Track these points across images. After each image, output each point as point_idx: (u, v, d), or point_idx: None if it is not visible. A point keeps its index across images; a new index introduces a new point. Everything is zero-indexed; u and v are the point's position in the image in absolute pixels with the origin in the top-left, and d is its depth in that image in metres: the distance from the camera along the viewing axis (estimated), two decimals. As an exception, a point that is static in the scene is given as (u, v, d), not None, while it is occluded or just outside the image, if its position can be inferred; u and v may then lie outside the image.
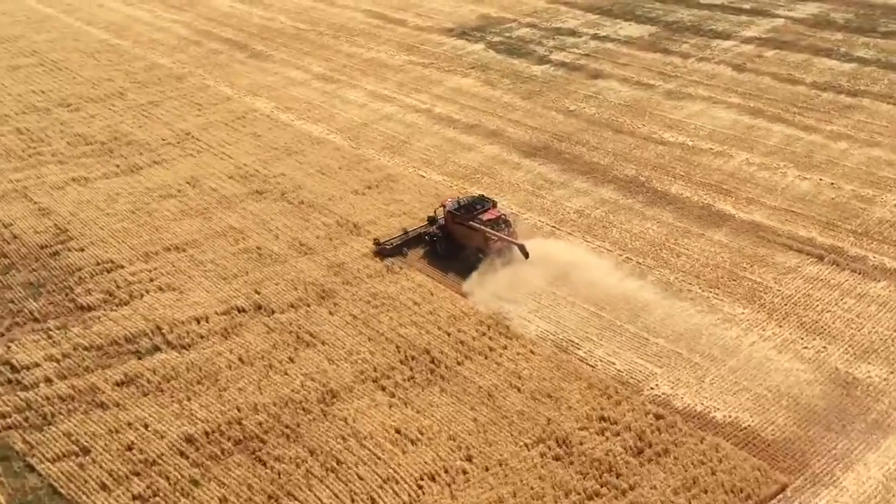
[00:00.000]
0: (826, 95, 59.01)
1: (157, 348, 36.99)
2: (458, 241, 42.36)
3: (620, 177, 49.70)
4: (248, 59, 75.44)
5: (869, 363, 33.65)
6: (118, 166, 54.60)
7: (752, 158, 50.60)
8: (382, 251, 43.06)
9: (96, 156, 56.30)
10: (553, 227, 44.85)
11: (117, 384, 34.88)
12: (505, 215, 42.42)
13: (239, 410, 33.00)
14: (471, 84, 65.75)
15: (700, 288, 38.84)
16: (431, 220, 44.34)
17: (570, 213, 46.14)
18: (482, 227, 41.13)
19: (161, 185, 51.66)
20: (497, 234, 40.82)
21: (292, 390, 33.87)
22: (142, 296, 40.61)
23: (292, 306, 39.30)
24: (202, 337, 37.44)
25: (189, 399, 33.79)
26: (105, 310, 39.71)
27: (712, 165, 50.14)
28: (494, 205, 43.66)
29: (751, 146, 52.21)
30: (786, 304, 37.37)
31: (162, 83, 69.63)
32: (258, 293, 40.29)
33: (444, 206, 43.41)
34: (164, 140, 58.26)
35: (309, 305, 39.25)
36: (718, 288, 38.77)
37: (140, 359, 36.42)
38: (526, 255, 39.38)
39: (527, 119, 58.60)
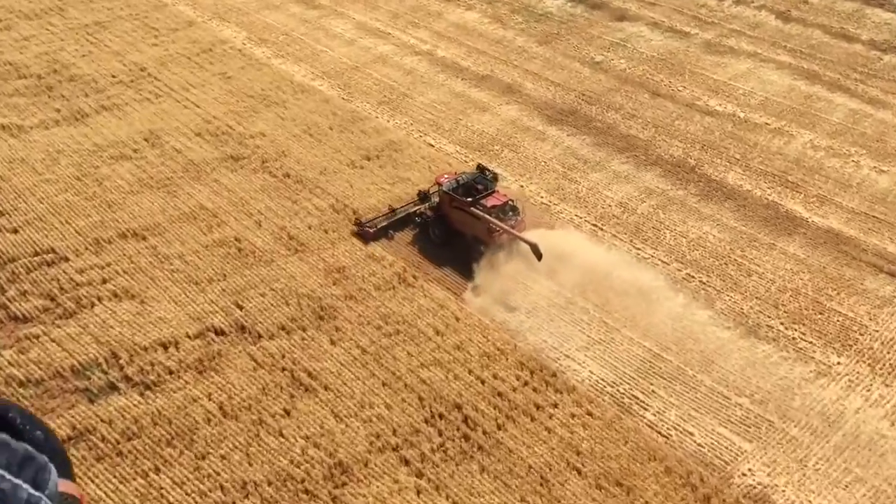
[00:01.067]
0: (888, 59, 51.47)
1: (113, 386, 29.15)
2: (454, 226, 35.43)
3: (665, 157, 42.10)
4: (212, -31, 64.47)
5: None
6: (59, 111, 45.02)
7: (816, 140, 43.29)
8: (365, 234, 35.98)
9: (32, 95, 46.48)
10: (594, 224, 37.39)
11: (63, 441, 27.09)
12: (512, 200, 35.33)
13: (223, 491, 25.70)
14: (476, 20, 56.56)
15: (782, 323, 32.11)
16: (423, 197, 37.30)
17: (611, 206, 38.61)
18: (486, 215, 34.10)
19: (112, 140, 42.48)
20: (504, 226, 33.84)
21: (291, 461, 26.60)
22: (92, 305, 32.39)
23: (283, 329, 31.58)
24: (171, 372, 29.65)
25: (157, 470, 26.32)
26: (46, 324, 31.52)
27: (771, 147, 42.77)
28: (495, 178, 36.89)
29: (812, 122, 44.82)
30: (889, 353, 30.92)
31: (109, -4, 58.82)
32: (240, 307, 32.42)
33: (439, 184, 36.14)
34: (113, 77, 48.49)
35: (304, 329, 31.56)
36: (804, 324, 32.09)
37: (92, 402, 28.61)
38: (539, 256, 32.45)
39: (547, 71, 50.12)
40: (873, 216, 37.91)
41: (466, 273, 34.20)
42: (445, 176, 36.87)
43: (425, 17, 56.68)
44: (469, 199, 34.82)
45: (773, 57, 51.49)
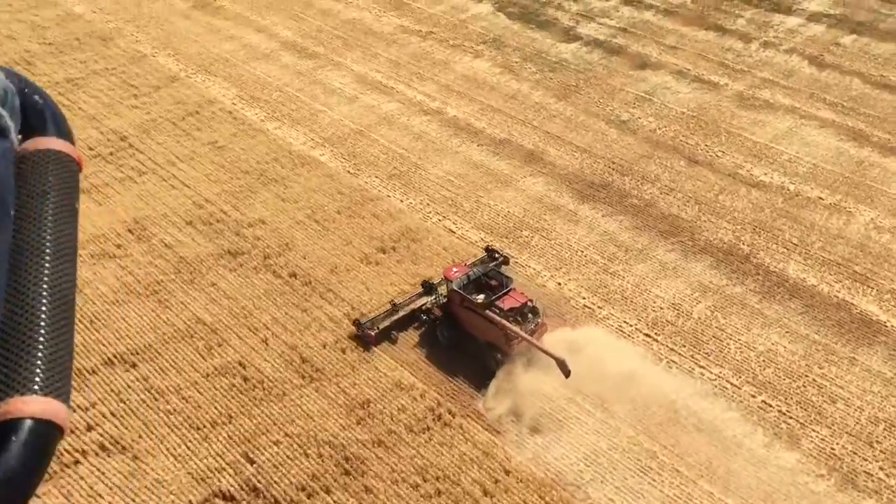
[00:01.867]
0: (936, 113, 47.55)
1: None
2: (465, 328, 31.26)
3: (715, 242, 37.74)
4: (192, 9, 59.39)
5: None
6: (29, 194, 39.69)
7: (879, 219, 39.17)
8: (366, 338, 31.65)
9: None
10: (647, 334, 32.94)
11: None
12: (531, 301, 31.16)
13: None
14: (486, 69, 51.90)
15: (881, 467, 27.89)
16: (427, 288, 33.19)
17: (663, 308, 34.19)
18: (503, 321, 29.81)
19: (93, 233, 37.38)
20: (525, 335, 29.55)
21: None
22: (76, 462, 27.47)
23: (303, 490, 26.83)
24: (174, 561, 24.85)
25: None
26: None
27: (830, 228, 38.57)
28: (506, 261, 33.99)
29: (870, 196, 40.71)
30: None
31: (82, 46, 53.61)
32: (251, 461, 27.64)
33: (448, 279, 31.76)
34: (91, 149, 43.33)
35: (329, 490, 26.82)
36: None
37: None
38: (568, 373, 28.00)
39: (570, 133, 45.60)
40: (959, 318, 33.81)
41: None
42: (455, 268, 32.46)
43: (430, 68, 51.91)
44: (482, 301, 30.44)
45: (814, 112, 47.36)
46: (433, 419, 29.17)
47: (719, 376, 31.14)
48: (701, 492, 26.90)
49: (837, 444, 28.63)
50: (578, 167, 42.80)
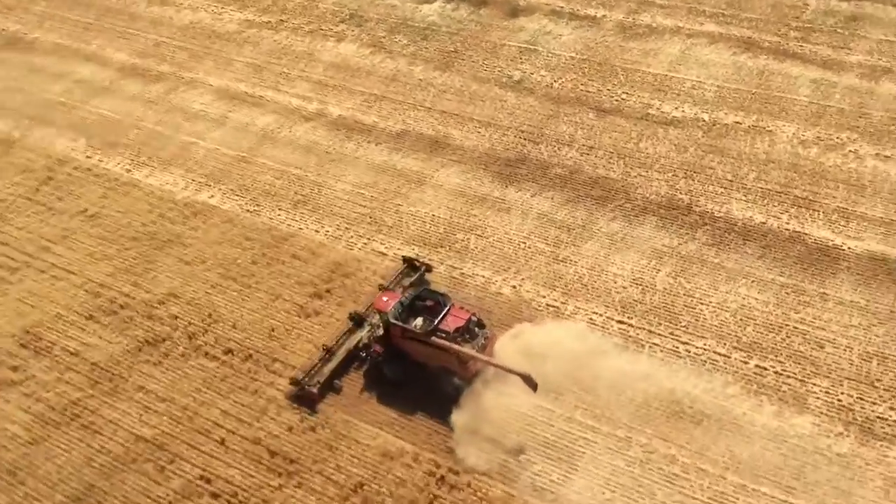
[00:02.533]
0: (813, 3, 47.13)
1: None
2: (413, 358, 28.60)
3: (652, 198, 36.12)
4: (0, 51, 51.93)
5: None
6: None
7: (800, 132, 38.50)
8: (308, 397, 28.77)
9: None
10: (619, 321, 31.09)
11: None
12: (475, 315, 28.87)
13: None
14: (354, 51, 47.81)
15: (891, 407, 27.37)
16: (356, 320, 30.47)
17: (626, 287, 32.42)
18: (454, 345, 27.47)
19: (-24, 359, 32.09)
20: (481, 356, 27.43)
21: None
22: None
23: None
24: None
25: None
26: None
27: (758, 154, 37.62)
28: (429, 269, 32.61)
29: (782, 108, 39.98)
30: None
31: None
32: None
33: (381, 311, 28.84)
34: (-60, 252, 37.18)
35: None
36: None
37: None
38: (535, 387, 25.88)
39: (467, 107, 42.59)
40: (906, 222, 33.66)
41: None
42: (384, 296, 29.34)
43: (294, 64, 47.31)
44: (424, 328, 27.85)
45: (699, 28, 46.15)
46: (437, 484, 26.57)
47: (705, 349, 29.83)
48: (733, 486, 25.69)
49: (842, 393, 27.94)
50: (489, 145, 40.01)
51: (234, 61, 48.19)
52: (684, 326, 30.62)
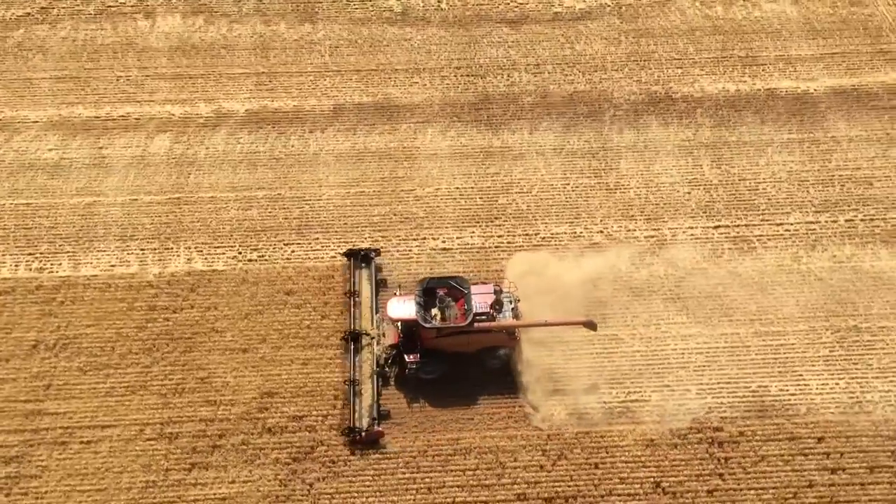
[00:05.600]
0: None
1: None
2: (450, 351, 27.32)
3: (633, 98, 36.52)
4: None
5: None
6: None
7: (696, -4, 40.81)
8: (376, 435, 26.12)
9: None
10: (720, 226, 32.17)
11: None
12: (496, 284, 27.95)
13: None
14: (184, 26, 38.86)
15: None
16: (354, 337, 27.98)
17: (692, 194, 33.21)
18: (502, 322, 26.93)
19: None
20: (539, 322, 27.17)
21: None
22: None
23: None
24: None
25: None
26: None
27: (677, 26, 39.31)
28: (377, 252, 30.23)
29: (663, -23, 41.69)
30: None
31: None
32: None
33: (396, 322, 27.32)
34: None
35: None
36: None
37: None
38: (594, 327, 27.20)
39: (377, 57, 37.83)
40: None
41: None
42: (394, 301, 27.45)
43: (119, 61, 37.22)
44: (470, 321, 26.43)
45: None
46: (561, 448, 26.33)
47: (797, 222, 32.24)
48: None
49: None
50: (440, 94, 36.50)
51: (33, 80, 36.39)
52: (764, 209, 32.64)
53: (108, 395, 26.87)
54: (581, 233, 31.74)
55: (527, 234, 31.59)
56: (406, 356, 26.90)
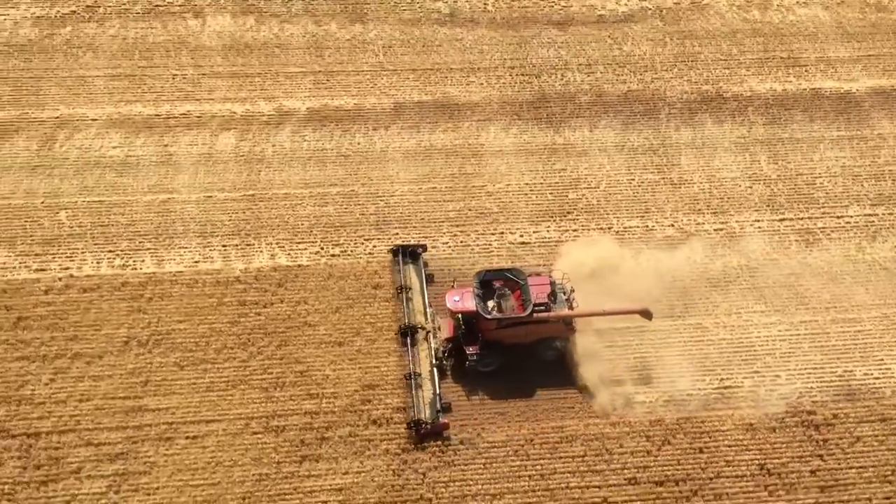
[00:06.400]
0: None
1: None
2: (507, 343, 27.51)
3: (685, 97, 37.42)
4: None
5: None
6: None
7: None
8: (441, 428, 26.12)
9: None
10: (785, 219, 33.14)
11: None
12: (549, 276, 28.19)
13: None
14: (235, 25, 38.69)
15: None
16: (410, 331, 27.97)
17: (754, 188, 34.16)
18: (560, 312, 27.13)
19: None
20: (597, 311, 27.48)
21: None
22: None
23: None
24: None
25: None
26: None
27: (718, 28, 40.42)
28: (424, 248, 30.26)
29: (698, -18, 42.87)
30: None
31: None
32: None
33: (463, 312, 27.22)
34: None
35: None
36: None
37: None
38: (650, 316, 27.74)
39: (432, 57, 38.17)
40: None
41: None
42: (454, 296, 27.48)
43: (173, 59, 36.84)
44: (530, 312, 26.64)
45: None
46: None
47: (856, 215, 33.40)
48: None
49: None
50: (498, 93, 36.94)
51: (87, 78, 35.83)
52: (824, 202, 33.76)
53: (208, 390, 26.51)
54: (653, 226, 32.39)
55: (601, 228, 32.14)
56: (466, 348, 27.11)
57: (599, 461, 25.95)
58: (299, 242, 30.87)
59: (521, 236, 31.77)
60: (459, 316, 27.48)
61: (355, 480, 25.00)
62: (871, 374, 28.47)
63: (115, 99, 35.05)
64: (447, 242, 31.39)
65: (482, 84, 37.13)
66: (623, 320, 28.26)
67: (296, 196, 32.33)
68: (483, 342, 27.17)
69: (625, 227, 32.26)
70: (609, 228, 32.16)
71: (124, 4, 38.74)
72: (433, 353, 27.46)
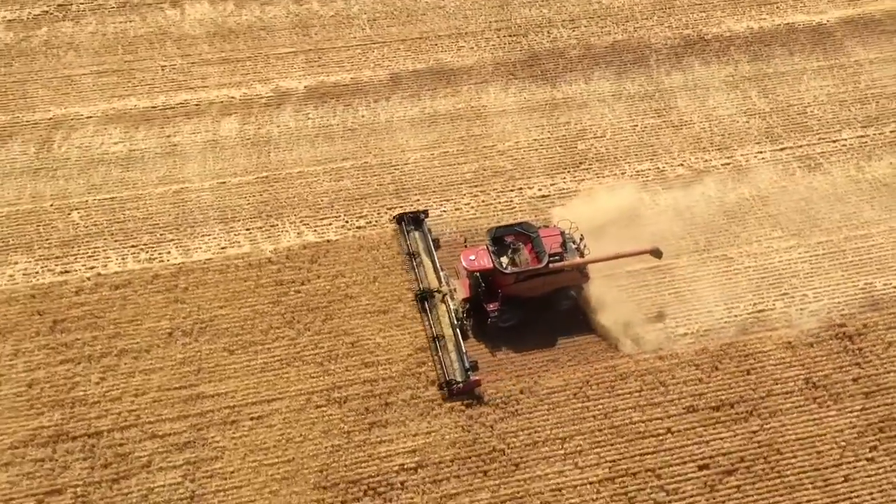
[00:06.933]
0: None
1: None
2: (525, 296, 27.92)
3: (670, 43, 38.24)
4: None
5: None
6: None
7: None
8: (473, 385, 26.22)
9: None
10: (786, 148, 34.35)
11: None
12: (557, 226, 28.70)
13: None
14: (216, 11, 38.01)
15: None
16: (427, 295, 28.10)
17: (751, 122, 35.29)
18: (573, 260, 27.59)
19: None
20: (607, 255, 27.85)
21: None
22: None
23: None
24: None
25: None
26: None
27: (692, -25, 41.45)
28: (426, 213, 30.27)
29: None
30: None
31: None
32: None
33: (482, 270, 27.32)
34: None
35: None
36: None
37: None
38: (660, 255, 28.24)
39: (418, 26, 38.21)
40: None
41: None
42: (470, 255, 27.56)
43: (160, 50, 36.10)
44: (545, 264, 27.07)
45: None
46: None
47: (850, 137, 34.81)
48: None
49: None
50: (490, 55, 37.20)
51: (73, 77, 34.88)
52: (818, 129, 35.08)
53: (263, 371, 26.33)
54: (663, 168, 33.21)
55: (615, 175, 32.82)
56: (487, 305, 27.34)
57: (656, 394, 26.66)
58: (323, 218, 30.73)
59: (540, 189, 32.21)
60: (478, 274, 27.54)
61: (427, 440, 25.19)
62: (891, 284, 29.85)
63: (107, 95, 34.19)
64: (469, 203, 31.63)
65: (472, 48, 37.35)
66: (649, 261, 28.82)
67: (310, 173, 32.13)
68: (503, 297, 27.30)
69: (637, 171, 33.00)
70: (622, 174, 32.85)
71: (97, 0, 37.70)
72: (454, 314, 27.45)
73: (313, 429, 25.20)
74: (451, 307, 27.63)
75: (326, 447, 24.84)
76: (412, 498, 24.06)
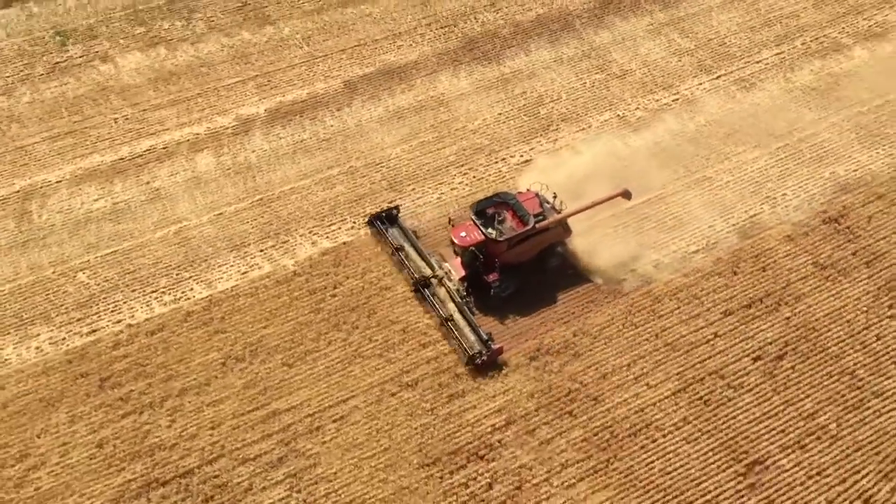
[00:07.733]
0: None
1: None
2: (517, 261, 29.04)
3: (587, 4, 40.94)
4: None
5: None
6: None
7: None
8: (496, 353, 26.81)
9: None
10: (717, 77, 37.37)
11: None
12: (531, 190, 29.83)
13: None
14: (149, 61, 37.71)
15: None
16: (423, 283, 28.43)
17: (683, 60, 38.24)
18: (556, 217, 28.88)
19: None
20: (580, 207, 29.11)
21: None
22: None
23: None
24: None
25: None
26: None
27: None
28: (397, 209, 30.77)
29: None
30: None
31: None
32: None
33: (469, 248, 28.15)
34: None
35: None
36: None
37: None
38: (629, 196, 29.91)
39: (352, 35, 39.28)
40: None
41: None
42: (461, 231, 28.44)
43: (108, 104, 35.48)
44: (532, 225, 28.19)
45: None
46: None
47: (769, 57, 38.27)
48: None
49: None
50: (429, 49, 38.73)
51: (26, 147, 33.81)
52: (740, 55, 38.39)
53: (328, 375, 26.39)
54: (623, 114, 35.43)
55: (583, 129, 34.71)
56: (486, 277, 28.10)
57: (693, 307, 28.50)
58: (330, 224, 31.05)
59: (522, 156, 33.69)
60: (473, 249, 27.98)
61: (507, 398, 25.97)
62: (850, 168, 33.08)
63: (68, 157, 33.31)
64: (461, 182, 32.72)
65: (411, 45, 38.61)
66: (645, 200, 30.72)
67: (302, 188, 32.38)
68: (500, 267, 28.03)
69: (602, 122, 35.03)
70: (589, 127, 34.79)
71: (24, 70, 36.56)
72: (455, 294, 27.91)
73: (397, 415, 25.49)
74: (452, 287, 28.11)
75: (416, 427, 25.20)
76: (514, 452, 24.75)
